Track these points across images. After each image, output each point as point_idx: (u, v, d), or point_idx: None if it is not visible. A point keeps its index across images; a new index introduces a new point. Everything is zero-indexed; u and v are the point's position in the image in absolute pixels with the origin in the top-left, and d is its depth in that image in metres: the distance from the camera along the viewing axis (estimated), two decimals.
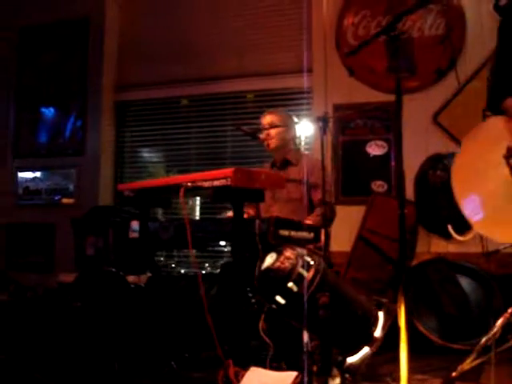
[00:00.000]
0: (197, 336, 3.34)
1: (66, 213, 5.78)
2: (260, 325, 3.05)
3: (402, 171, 2.29)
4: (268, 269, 2.11)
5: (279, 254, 2.12)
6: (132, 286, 3.97)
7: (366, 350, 2.10)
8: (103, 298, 3.83)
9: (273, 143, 4.17)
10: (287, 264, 2.07)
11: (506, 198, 1.99)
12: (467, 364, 3.25)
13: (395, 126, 2.22)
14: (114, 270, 3.97)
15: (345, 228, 4.90)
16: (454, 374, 3.23)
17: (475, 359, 3.26)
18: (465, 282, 4.34)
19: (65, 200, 6.30)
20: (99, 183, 6.17)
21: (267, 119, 4.20)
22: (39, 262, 6.30)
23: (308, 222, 3.73)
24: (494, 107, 2.12)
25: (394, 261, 4.45)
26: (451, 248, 4.75)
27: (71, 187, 6.28)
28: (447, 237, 4.76)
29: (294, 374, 2.52)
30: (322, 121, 3.40)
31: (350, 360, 2.07)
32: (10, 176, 6.56)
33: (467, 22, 4.84)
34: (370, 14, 5.04)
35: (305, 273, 2.06)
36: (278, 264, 2.10)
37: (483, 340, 3.36)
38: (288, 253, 2.11)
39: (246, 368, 2.93)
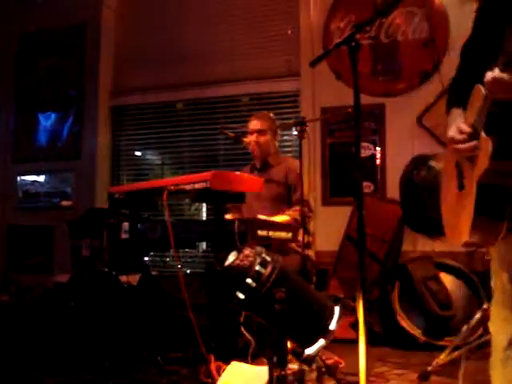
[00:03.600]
0: (185, 333, 3.43)
1: (64, 215, 5.89)
2: (241, 321, 3.19)
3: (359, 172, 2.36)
4: (228, 266, 2.23)
5: (239, 252, 2.25)
6: (124, 285, 4.07)
7: (321, 342, 2.22)
8: (96, 297, 3.93)
9: (259, 151, 4.27)
10: (246, 262, 2.19)
11: (453, 205, 2.08)
12: (442, 359, 3.36)
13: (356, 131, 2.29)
14: (106, 270, 4.08)
15: (333, 228, 5.02)
16: (429, 368, 3.34)
17: (450, 354, 3.38)
18: (449, 280, 4.42)
19: (63, 203, 6.42)
20: (96, 186, 6.30)
21: (255, 125, 4.27)
22: (39, 263, 6.42)
23: (275, 220, 3.82)
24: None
25: (381, 259, 4.56)
26: (437, 247, 4.84)
27: (69, 190, 6.41)
28: (432, 236, 4.86)
29: None
30: (300, 125, 3.49)
31: (307, 351, 2.19)
32: (10, 180, 6.71)
33: (451, 25, 4.93)
34: (355, 19, 5.12)
35: (262, 269, 2.18)
36: (237, 262, 2.21)
37: (459, 336, 3.49)
38: (247, 251, 2.23)
39: (229, 363, 3.06)
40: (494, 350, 2.01)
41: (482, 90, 1.83)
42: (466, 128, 1.90)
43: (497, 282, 2.03)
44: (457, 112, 2.09)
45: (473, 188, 1.86)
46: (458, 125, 1.95)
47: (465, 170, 2.03)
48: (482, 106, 1.81)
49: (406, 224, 4.88)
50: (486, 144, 1.79)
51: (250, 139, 4.24)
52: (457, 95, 2.15)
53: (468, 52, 2.20)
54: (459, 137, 1.91)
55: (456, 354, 3.37)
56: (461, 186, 2.03)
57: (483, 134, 1.81)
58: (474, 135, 1.89)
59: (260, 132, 4.22)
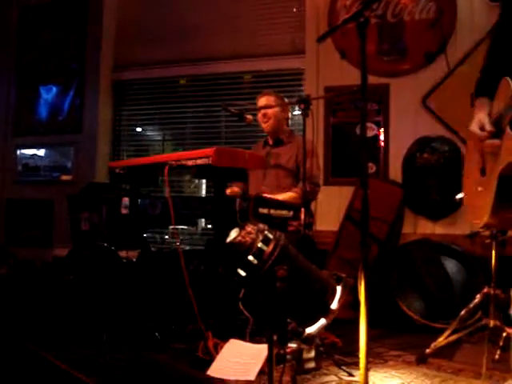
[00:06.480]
0: (183, 309, 3.43)
1: (64, 189, 5.87)
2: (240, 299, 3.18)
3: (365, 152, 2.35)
4: (230, 243, 2.21)
5: (241, 229, 2.22)
6: (124, 260, 4.06)
7: (322, 321, 2.20)
8: (95, 271, 3.93)
9: (270, 124, 4.33)
10: (248, 238, 2.17)
11: (474, 188, 2.14)
12: (440, 341, 3.36)
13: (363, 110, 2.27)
14: (105, 244, 4.06)
15: (334, 208, 5.01)
16: (427, 350, 3.34)
17: (448, 337, 3.38)
18: (448, 263, 4.41)
19: (63, 177, 6.40)
20: (96, 160, 6.26)
21: (263, 101, 4.35)
22: (38, 236, 6.42)
23: (280, 196, 3.83)
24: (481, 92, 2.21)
25: (381, 241, 4.55)
26: (437, 229, 4.83)
27: (69, 164, 6.39)
28: (433, 218, 4.85)
29: None
30: (304, 103, 3.46)
31: (308, 330, 2.18)
32: (9, 153, 6.67)
33: (458, 6, 4.86)
34: None
35: (264, 247, 2.16)
36: (239, 238, 2.19)
37: (457, 318, 3.48)
38: (249, 228, 2.21)
39: (227, 340, 3.05)
40: None
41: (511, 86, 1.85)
42: (488, 126, 1.94)
43: None
44: (482, 102, 2.13)
45: (494, 177, 1.96)
46: (479, 119, 2.00)
47: (486, 158, 2.10)
48: (509, 104, 1.83)
49: (408, 206, 4.88)
50: (510, 141, 1.83)
51: (259, 115, 4.30)
52: (485, 84, 2.17)
53: (500, 40, 2.19)
54: (481, 134, 1.97)
55: (454, 336, 3.38)
56: (483, 172, 2.10)
57: (509, 131, 1.84)
58: (497, 130, 1.94)
59: (268, 106, 4.26)
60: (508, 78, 1.91)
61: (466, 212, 2.45)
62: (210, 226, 5.62)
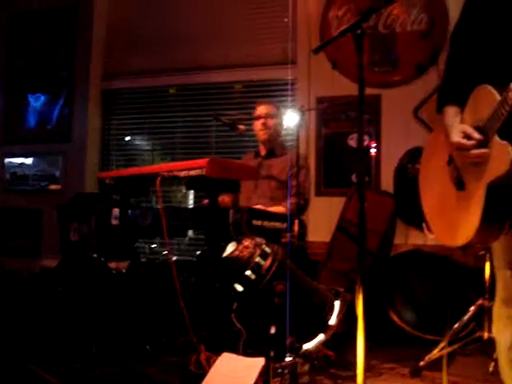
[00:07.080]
0: (174, 322, 3.39)
1: (52, 199, 5.82)
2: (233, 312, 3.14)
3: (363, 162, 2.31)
4: (227, 257, 2.18)
5: (239, 243, 2.19)
6: (113, 271, 4.02)
7: (320, 336, 2.17)
8: (84, 283, 3.88)
9: (268, 134, 4.29)
10: (245, 253, 2.14)
11: (447, 203, 2.03)
12: (434, 354, 3.34)
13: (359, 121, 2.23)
14: (95, 256, 4.02)
15: (325, 219, 4.99)
16: (421, 363, 3.32)
17: (442, 349, 3.36)
18: (440, 275, 4.40)
19: (52, 186, 6.34)
20: (85, 170, 6.21)
21: (264, 109, 4.31)
22: (26, 246, 6.34)
23: (271, 209, 3.81)
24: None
25: (372, 252, 4.53)
26: (429, 240, 4.81)
27: (58, 174, 6.33)
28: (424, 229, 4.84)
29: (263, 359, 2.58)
30: (298, 114, 3.44)
31: (306, 346, 2.14)
32: None
33: (450, 17, 4.86)
34: (354, 8, 5.06)
35: (262, 261, 2.13)
36: (236, 253, 2.16)
37: (451, 331, 3.47)
38: (247, 242, 2.18)
39: (220, 353, 3.01)
40: (499, 352, 1.97)
41: (497, 95, 1.75)
42: (476, 135, 1.83)
43: (499, 279, 1.99)
44: (453, 111, 2.01)
45: (480, 191, 1.82)
46: (463, 129, 1.88)
47: (463, 169, 1.96)
48: (497, 112, 1.74)
49: (399, 217, 4.87)
50: (504, 150, 1.74)
51: (257, 124, 4.26)
52: (452, 91, 2.07)
53: (460, 42, 2.12)
54: (468, 143, 1.84)
55: (448, 349, 3.37)
56: (459, 186, 1.97)
57: (498, 140, 1.74)
58: (481, 140, 1.82)
59: (268, 116, 4.23)
60: (487, 85, 1.83)
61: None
62: (193, 236, 5.59)
